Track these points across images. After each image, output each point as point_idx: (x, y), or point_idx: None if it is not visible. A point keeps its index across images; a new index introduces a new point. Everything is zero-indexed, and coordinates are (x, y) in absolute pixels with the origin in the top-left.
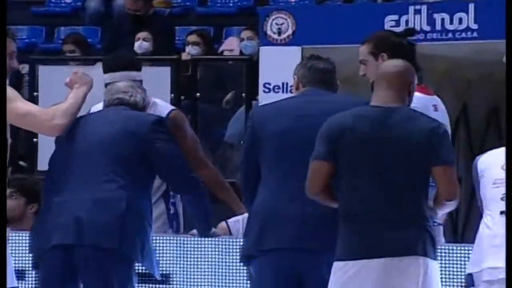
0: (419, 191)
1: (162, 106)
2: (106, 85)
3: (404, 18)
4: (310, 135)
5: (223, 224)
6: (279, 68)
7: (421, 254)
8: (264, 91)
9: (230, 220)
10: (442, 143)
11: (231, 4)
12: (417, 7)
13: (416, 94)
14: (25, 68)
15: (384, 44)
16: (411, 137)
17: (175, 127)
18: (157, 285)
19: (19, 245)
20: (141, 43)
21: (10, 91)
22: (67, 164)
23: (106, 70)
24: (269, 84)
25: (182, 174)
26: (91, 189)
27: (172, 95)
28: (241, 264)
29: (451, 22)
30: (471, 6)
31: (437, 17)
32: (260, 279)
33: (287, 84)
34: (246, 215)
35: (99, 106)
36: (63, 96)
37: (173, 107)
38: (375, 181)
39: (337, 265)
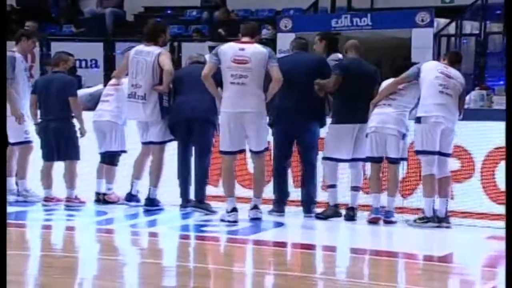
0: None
1: None
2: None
3: (339, 20)
4: (301, 70)
5: None
6: (285, 43)
7: None
8: (279, 52)
9: None
10: None
11: (264, 14)
12: (345, 15)
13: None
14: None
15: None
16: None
17: None
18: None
19: None
20: None
21: (167, 53)
22: (180, 83)
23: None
24: (281, 50)
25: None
26: (196, 94)
27: None
28: None
29: (360, 21)
30: (369, 15)
31: (354, 19)
32: None
33: (288, 50)
34: None
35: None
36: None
37: None
38: None
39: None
